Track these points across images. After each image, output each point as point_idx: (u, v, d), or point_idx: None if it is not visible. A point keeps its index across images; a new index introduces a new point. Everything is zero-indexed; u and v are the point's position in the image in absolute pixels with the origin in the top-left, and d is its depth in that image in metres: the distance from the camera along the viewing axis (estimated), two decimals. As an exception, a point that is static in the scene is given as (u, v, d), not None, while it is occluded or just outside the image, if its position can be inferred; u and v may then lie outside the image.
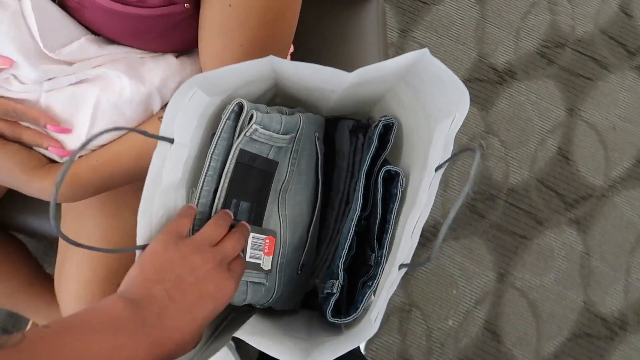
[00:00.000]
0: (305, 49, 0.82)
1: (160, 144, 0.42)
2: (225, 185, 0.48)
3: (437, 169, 0.47)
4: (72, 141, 0.54)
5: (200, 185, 0.48)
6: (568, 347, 1.26)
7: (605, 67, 1.44)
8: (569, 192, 1.35)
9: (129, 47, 0.56)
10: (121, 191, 0.68)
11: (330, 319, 0.50)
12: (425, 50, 0.44)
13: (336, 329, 0.54)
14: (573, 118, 1.40)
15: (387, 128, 0.56)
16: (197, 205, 0.48)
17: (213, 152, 0.48)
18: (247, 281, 0.50)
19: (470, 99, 1.40)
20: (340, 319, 0.51)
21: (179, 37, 0.53)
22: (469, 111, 1.36)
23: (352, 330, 0.51)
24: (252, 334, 0.46)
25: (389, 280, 0.47)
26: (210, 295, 0.39)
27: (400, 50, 1.41)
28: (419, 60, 0.46)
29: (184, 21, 0.49)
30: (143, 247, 0.42)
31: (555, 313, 1.28)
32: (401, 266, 0.46)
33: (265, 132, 0.49)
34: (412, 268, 0.46)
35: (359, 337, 0.47)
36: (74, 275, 0.65)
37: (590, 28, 1.46)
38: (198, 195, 0.48)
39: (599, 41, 1.46)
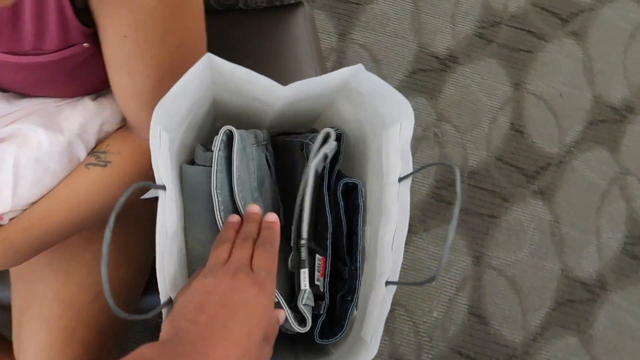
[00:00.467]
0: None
1: (160, 194, 0.41)
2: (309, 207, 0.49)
3: (400, 180, 0.47)
4: None
5: (220, 224, 0.47)
6: (553, 316, 1.27)
7: (542, 38, 1.47)
8: (529, 165, 1.37)
9: (44, 98, 0.54)
10: (69, 246, 0.65)
11: (318, 341, 0.49)
12: (360, 66, 0.45)
13: (324, 351, 0.53)
14: (520, 92, 1.42)
15: (337, 139, 0.55)
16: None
17: (216, 186, 0.47)
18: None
19: (418, 90, 1.41)
20: (328, 339, 0.49)
21: (89, 77, 0.51)
22: (418, 102, 1.37)
23: (340, 349, 0.50)
24: None
25: (377, 298, 0.46)
26: (238, 305, 0.37)
27: (341, 54, 1.41)
28: (354, 75, 0.46)
29: (89, 60, 0.48)
30: (167, 304, 0.40)
31: (535, 285, 1.28)
32: (388, 283, 0.45)
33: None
34: (410, 286, 0.45)
35: (352, 358, 0.46)
36: (31, 342, 0.63)
37: (522, 3, 1.49)
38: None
39: (532, 14, 1.49)
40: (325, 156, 0.49)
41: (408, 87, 1.39)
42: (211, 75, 0.46)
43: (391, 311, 1.24)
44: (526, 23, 1.48)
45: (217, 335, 0.35)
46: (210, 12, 0.82)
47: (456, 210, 0.40)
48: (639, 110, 1.44)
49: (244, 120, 0.58)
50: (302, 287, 0.48)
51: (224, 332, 0.35)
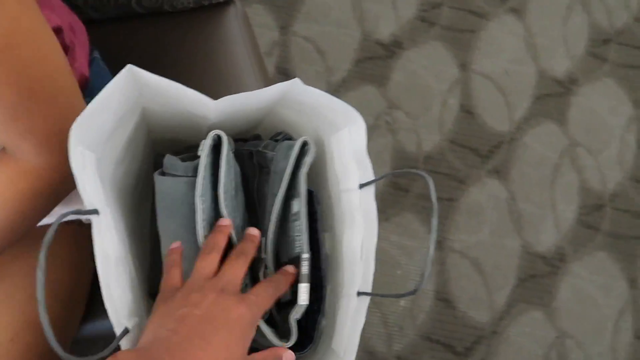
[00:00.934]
0: (170, 76, 0.77)
1: (94, 220, 0.38)
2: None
3: (361, 187, 0.46)
4: None
5: (202, 235, 0.44)
6: (518, 293, 1.28)
7: (483, 17, 1.47)
8: (482, 145, 1.37)
9: None
10: (6, 275, 0.60)
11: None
12: (296, 80, 0.43)
13: None
14: (467, 73, 1.42)
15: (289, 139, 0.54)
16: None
17: (202, 194, 0.44)
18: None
19: (366, 79, 1.39)
20: (297, 351, 0.47)
21: None
22: (368, 91, 1.35)
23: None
24: None
25: (349, 308, 0.45)
26: (220, 320, 0.36)
27: (284, 47, 1.37)
28: (290, 89, 0.45)
29: None
30: (123, 335, 0.38)
31: (498, 264, 1.30)
32: (361, 293, 0.44)
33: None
34: (389, 297, 0.44)
35: None
36: None
37: (461, -17, 1.49)
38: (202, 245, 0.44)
39: (472, -7, 1.49)
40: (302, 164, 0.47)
41: (356, 76, 1.37)
42: (136, 87, 0.43)
43: (359, 306, 1.22)
44: (466, 2, 1.48)
45: (195, 345, 0.34)
46: (133, 16, 0.77)
47: (434, 221, 0.39)
48: (582, 81, 1.46)
49: (180, 131, 0.54)
50: (301, 302, 0.46)
51: (203, 343, 0.35)
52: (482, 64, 1.44)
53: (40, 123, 0.43)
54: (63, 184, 0.49)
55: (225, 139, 0.45)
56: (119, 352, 0.33)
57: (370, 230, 0.46)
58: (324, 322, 0.49)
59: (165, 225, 0.47)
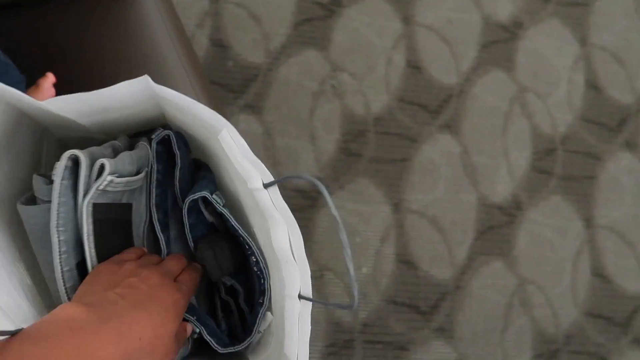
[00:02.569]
0: (87, 72, 0.70)
1: None
2: (94, 253, 0.41)
3: (266, 187, 0.43)
4: None
5: (59, 269, 0.40)
6: (477, 246, 1.29)
7: (422, -35, 1.41)
8: (431, 101, 1.34)
9: None
10: None
11: (222, 350, 0.46)
12: (145, 78, 0.39)
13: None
14: (410, 26, 1.37)
15: (164, 143, 0.49)
16: (65, 292, 0.41)
17: (57, 224, 0.40)
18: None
19: (306, 42, 1.33)
20: (234, 346, 0.47)
21: None
22: (309, 55, 1.29)
23: None
24: None
25: (293, 313, 0.43)
26: (161, 300, 0.39)
27: (216, 16, 1.29)
28: (148, 87, 0.40)
29: None
30: (13, 333, 0.34)
31: (456, 220, 1.29)
32: (302, 297, 0.42)
33: (121, 180, 0.42)
34: (334, 307, 0.41)
35: None
36: None
37: None
38: (62, 280, 0.40)
39: (409, -60, 1.42)
40: (103, 191, 0.42)
41: (296, 40, 1.31)
42: None
43: (320, 277, 1.21)
44: (404, -49, 1.41)
45: (139, 314, 0.37)
46: (32, 1, 0.69)
47: (343, 237, 0.36)
48: (527, 25, 1.43)
49: (79, 131, 0.49)
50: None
51: (146, 314, 0.37)
52: (425, 15, 1.39)
53: None
54: None
55: (83, 163, 0.40)
56: (65, 306, 0.34)
57: (294, 229, 0.43)
58: (270, 317, 0.48)
59: (42, 255, 0.42)
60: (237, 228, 0.47)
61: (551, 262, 1.32)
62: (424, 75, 1.35)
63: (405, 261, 1.25)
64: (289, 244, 0.43)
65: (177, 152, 0.48)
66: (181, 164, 0.49)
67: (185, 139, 0.51)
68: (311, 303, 0.42)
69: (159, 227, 0.47)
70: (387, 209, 1.27)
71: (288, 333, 0.44)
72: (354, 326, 1.19)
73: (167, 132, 0.48)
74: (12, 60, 0.63)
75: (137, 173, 0.44)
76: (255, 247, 0.48)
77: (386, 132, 1.30)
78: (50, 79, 0.64)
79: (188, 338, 0.48)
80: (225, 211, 0.48)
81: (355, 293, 0.36)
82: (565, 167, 1.37)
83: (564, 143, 1.38)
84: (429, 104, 1.34)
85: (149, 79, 0.39)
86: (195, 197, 0.47)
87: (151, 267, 0.42)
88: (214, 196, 0.48)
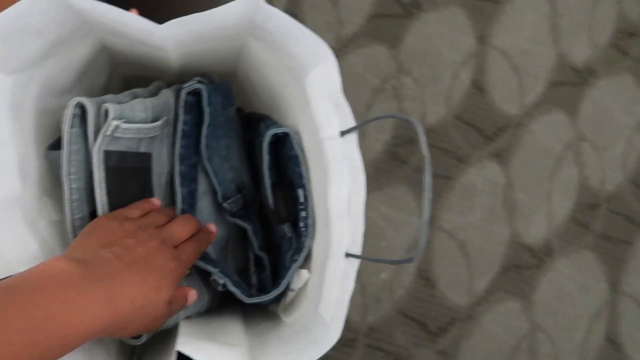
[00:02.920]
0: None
1: None
2: (105, 201, 0.40)
3: (343, 134, 0.41)
4: None
5: (70, 216, 0.40)
6: (498, 281, 1.26)
7: (511, -11, 1.38)
8: (487, 125, 1.32)
9: None
10: None
11: (248, 300, 0.45)
12: None
13: (275, 319, 0.49)
14: (484, 46, 1.35)
15: (196, 94, 0.47)
16: (74, 237, 0.40)
17: (69, 172, 0.39)
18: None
19: (378, 37, 1.30)
20: (260, 297, 0.46)
21: None
22: (377, 51, 1.27)
23: (297, 324, 0.45)
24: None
25: (336, 271, 0.41)
26: (157, 266, 0.38)
27: (297, -10, 1.27)
28: (255, 10, 0.38)
29: None
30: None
31: (484, 249, 1.27)
32: (349, 255, 0.40)
33: (130, 126, 0.40)
34: (380, 262, 0.39)
35: (310, 337, 0.41)
36: None
37: (493, -52, 1.39)
38: (72, 227, 0.40)
39: (503, -39, 1.39)
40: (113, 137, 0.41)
41: (368, 32, 1.28)
42: (71, 12, 0.37)
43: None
44: (496, -29, 1.38)
45: (132, 277, 0.36)
46: None
47: (427, 178, 0.33)
48: (600, 74, 1.40)
49: (147, 66, 0.48)
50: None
51: (139, 278, 0.36)
52: (501, 39, 1.36)
53: None
54: None
55: (90, 112, 0.39)
56: (55, 259, 0.33)
57: (357, 183, 0.41)
58: (305, 275, 0.47)
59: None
60: (304, 176, 0.46)
61: (568, 316, 1.29)
62: (486, 99, 1.32)
63: (425, 277, 1.22)
64: (346, 199, 0.41)
65: (206, 110, 0.46)
66: (210, 121, 0.47)
67: (227, 92, 0.49)
68: (358, 261, 0.40)
69: (178, 180, 0.46)
70: (418, 221, 1.24)
71: (326, 293, 0.42)
72: (360, 327, 1.17)
73: (199, 85, 0.46)
74: None
75: (153, 121, 0.43)
76: (311, 200, 0.47)
77: (436, 145, 1.28)
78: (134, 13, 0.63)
79: (204, 294, 0.48)
80: (301, 154, 0.46)
81: (422, 241, 0.34)
82: (604, 225, 1.34)
83: (609, 201, 1.35)
84: (484, 128, 1.31)
85: (262, 0, 0.37)
86: (279, 131, 0.46)
87: (152, 230, 0.41)
88: (296, 136, 0.47)
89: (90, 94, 0.48)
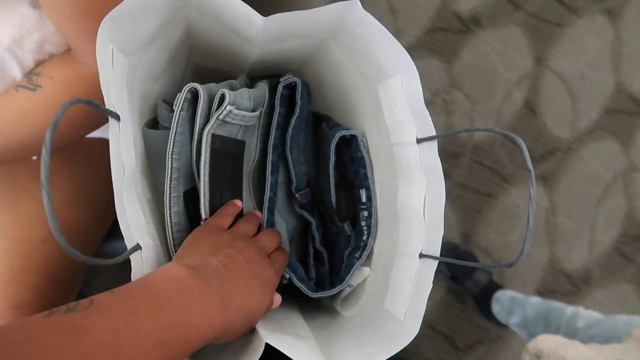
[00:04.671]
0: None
1: (112, 124, 0.35)
2: (207, 181, 0.43)
3: (420, 142, 0.42)
4: None
5: (168, 194, 0.42)
6: (532, 304, 1.25)
7: (574, 12, 1.36)
8: (536, 147, 1.30)
9: None
10: (16, 177, 0.59)
11: (313, 295, 0.47)
12: (355, 2, 0.39)
13: (331, 312, 0.51)
14: (540, 68, 1.33)
15: (290, 88, 0.50)
16: (169, 216, 0.42)
17: (172, 151, 0.42)
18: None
19: (433, 50, 1.31)
20: (324, 291, 0.48)
21: None
22: (432, 64, 1.28)
23: (355, 316, 0.48)
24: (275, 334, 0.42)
25: (408, 270, 0.43)
26: (258, 275, 0.39)
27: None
28: (348, 13, 0.40)
29: None
30: (135, 249, 0.36)
31: (521, 271, 1.26)
32: (424, 256, 0.41)
33: (239, 112, 0.43)
34: (493, 268, 0.40)
35: (380, 332, 0.42)
36: None
37: (560, -31, 1.37)
38: (168, 204, 0.42)
39: (569, -17, 1.38)
40: (223, 122, 0.43)
41: (423, 45, 1.30)
42: None
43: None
44: (560, -8, 1.37)
45: (239, 285, 0.37)
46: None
47: (532, 191, 0.34)
48: (659, 105, 1.36)
49: (224, 57, 0.51)
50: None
51: (243, 285, 0.37)
52: (559, 61, 1.34)
53: None
54: None
55: (202, 95, 0.42)
56: (169, 266, 0.34)
57: (436, 189, 0.42)
58: (366, 271, 0.49)
59: (156, 178, 0.44)
60: (369, 177, 0.49)
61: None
62: (537, 120, 1.31)
63: (456, 292, 1.23)
64: (421, 203, 0.43)
65: (299, 102, 0.49)
66: (299, 113, 0.49)
67: (309, 89, 0.51)
68: (435, 262, 0.41)
69: (270, 169, 0.48)
70: (457, 236, 1.25)
71: (394, 290, 0.44)
72: (387, 336, 1.19)
73: (295, 78, 0.49)
74: None
75: (253, 111, 0.45)
76: (375, 201, 0.49)
77: (481, 162, 1.28)
78: None
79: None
80: (367, 156, 0.49)
81: (525, 248, 0.34)
82: (649, 259, 1.30)
83: (656, 236, 1.31)
84: (533, 150, 1.30)
85: (359, 4, 0.38)
86: (347, 134, 0.48)
87: (246, 240, 0.42)
88: (363, 139, 0.49)
89: (174, 81, 0.51)
